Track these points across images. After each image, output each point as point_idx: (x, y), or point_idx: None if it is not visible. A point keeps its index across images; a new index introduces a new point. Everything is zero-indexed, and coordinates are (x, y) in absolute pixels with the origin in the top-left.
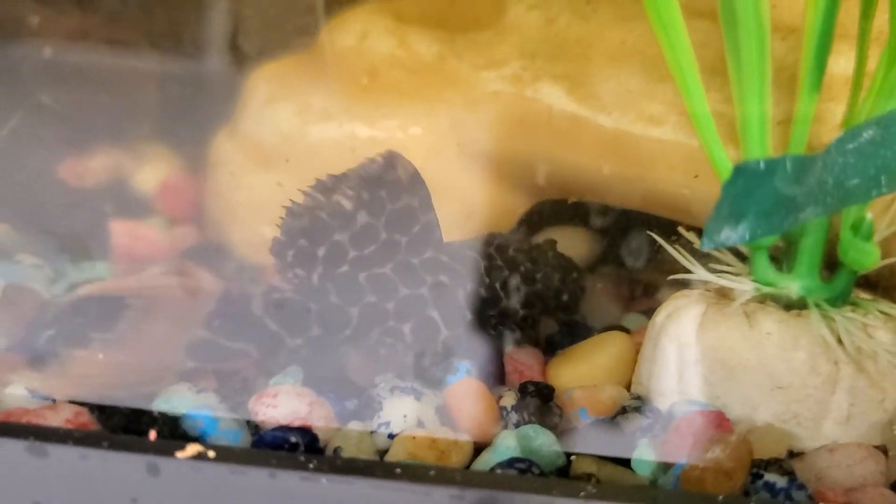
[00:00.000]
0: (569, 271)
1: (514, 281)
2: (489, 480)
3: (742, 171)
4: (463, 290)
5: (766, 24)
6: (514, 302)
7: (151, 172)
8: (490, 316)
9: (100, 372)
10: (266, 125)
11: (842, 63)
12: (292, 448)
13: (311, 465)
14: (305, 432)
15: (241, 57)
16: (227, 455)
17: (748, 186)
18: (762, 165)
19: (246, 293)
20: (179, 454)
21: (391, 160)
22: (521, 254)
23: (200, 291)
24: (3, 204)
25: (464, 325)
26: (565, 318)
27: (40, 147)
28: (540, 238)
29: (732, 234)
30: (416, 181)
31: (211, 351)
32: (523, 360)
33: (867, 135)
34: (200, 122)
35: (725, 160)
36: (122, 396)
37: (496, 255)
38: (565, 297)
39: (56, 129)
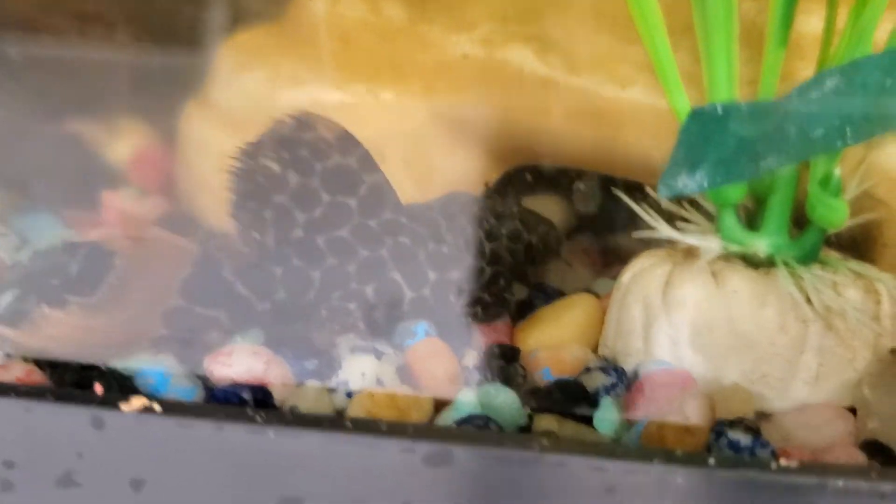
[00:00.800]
0: (536, 225)
1: (479, 238)
2: (441, 433)
3: (698, 116)
4: (425, 251)
5: None
6: (481, 260)
7: (124, 144)
8: (456, 276)
9: (74, 333)
10: (235, 92)
11: (812, 22)
12: (242, 402)
13: (258, 419)
14: (258, 389)
15: (211, 28)
16: (173, 408)
17: (705, 131)
18: (719, 110)
19: (217, 259)
20: (124, 407)
21: (305, 120)
22: (486, 211)
23: (177, 255)
24: None
25: (428, 287)
26: (536, 274)
27: (12, 116)
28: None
29: (690, 182)
30: (346, 141)
31: (186, 319)
32: (490, 323)
33: (831, 83)
34: (171, 94)
35: None
36: (93, 358)
37: (460, 213)
38: (536, 251)
39: (28, 101)
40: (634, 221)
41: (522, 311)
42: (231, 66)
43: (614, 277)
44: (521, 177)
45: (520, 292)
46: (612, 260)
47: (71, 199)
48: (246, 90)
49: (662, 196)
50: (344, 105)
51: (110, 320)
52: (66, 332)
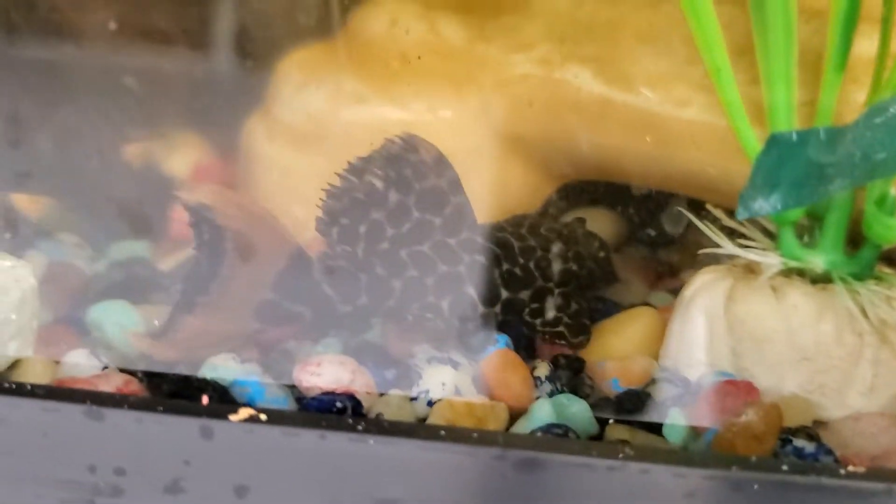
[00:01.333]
0: (599, 248)
1: (547, 259)
2: (530, 442)
3: (775, 142)
4: (498, 269)
5: (793, 8)
6: (547, 280)
7: (183, 158)
8: (523, 294)
9: (197, 335)
10: (298, 109)
11: (865, 45)
12: (339, 412)
13: (359, 427)
14: (350, 397)
15: (270, 45)
16: (278, 418)
17: (781, 157)
18: (795, 137)
19: (308, 257)
20: (233, 417)
21: (410, 142)
22: (552, 233)
23: (280, 238)
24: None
25: (499, 302)
26: (596, 294)
27: (78, 135)
28: (568, 218)
29: (765, 205)
30: (440, 163)
31: (275, 313)
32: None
33: (894, 109)
34: (230, 110)
35: (753, 139)
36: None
37: (528, 235)
38: (596, 274)
39: (91, 117)
40: (687, 236)
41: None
42: (293, 82)
43: (669, 291)
44: (578, 192)
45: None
46: (665, 273)
47: (135, 213)
48: (309, 107)
49: (740, 217)
50: (404, 123)
51: (221, 316)
52: (194, 335)
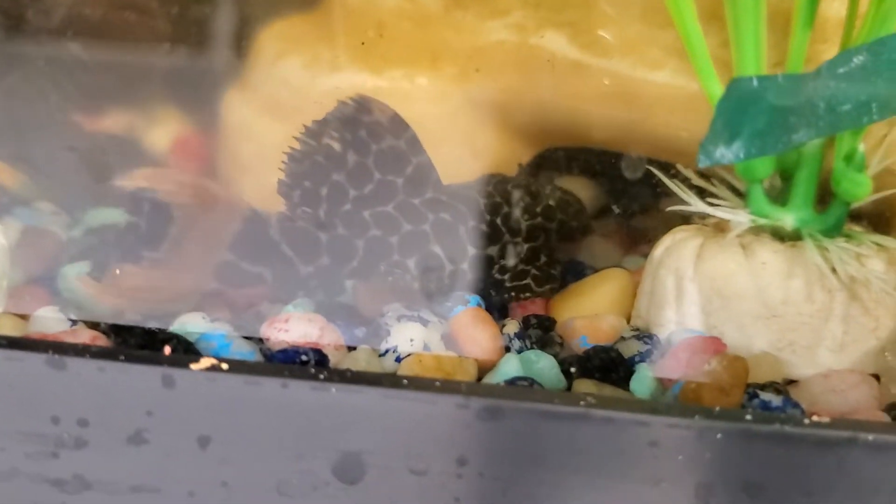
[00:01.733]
0: (568, 204)
1: (515, 215)
2: (493, 391)
3: (735, 88)
4: (464, 226)
5: None
6: (518, 237)
7: (163, 131)
8: (490, 250)
9: (143, 286)
10: (276, 78)
11: (835, 6)
12: (303, 364)
13: (321, 376)
14: (316, 351)
15: (248, 18)
16: (240, 367)
17: (741, 103)
18: (755, 82)
19: (265, 217)
20: (194, 366)
21: (364, 103)
22: (520, 189)
23: (224, 209)
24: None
25: (466, 260)
26: (570, 253)
27: (54, 104)
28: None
29: (727, 153)
30: (397, 124)
31: (234, 274)
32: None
33: (858, 60)
34: (209, 83)
35: None
36: (157, 310)
37: (495, 192)
38: (569, 227)
39: (68, 88)
40: (659, 201)
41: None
42: (271, 53)
43: (642, 255)
44: (553, 158)
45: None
46: (639, 238)
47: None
48: (286, 76)
49: (701, 165)
50: (381, 90)
51: (173, 273)
52: (140, 285)
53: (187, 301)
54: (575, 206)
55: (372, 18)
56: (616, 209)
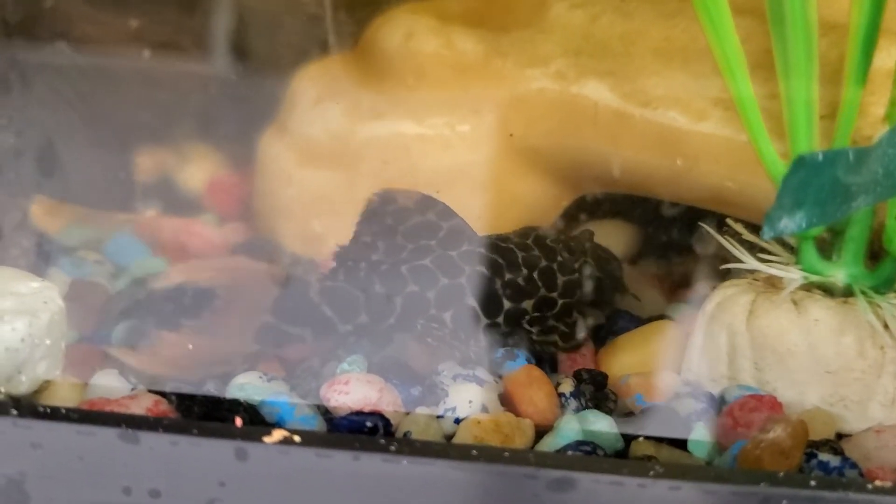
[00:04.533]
0: (606, 261)
1: (552, 270)
2: (562, 461)
3: (802, 163)
4: (500, 280)
5: (813, 22)
6: (552, 291)
7: (197, 169)
8: (527, 305)
9: (184, 353)
10: (316, 124)
11: (882, 57)
12: (371, 432)
13: (392, 448)
14: (381, 417)
15: (282, 58)
16: (312, 439)
17: (807, 177)
18: (821, 157)
19: (304, 281)
20: (266, 439)
21: (387, 195)
22: (558, 244)
23: (266, 279)
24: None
25: (502, 314)
26: (604, 307)
27: (91, 145)
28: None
29: (790, 223)
30: (424, 202)
31: (275, 335)
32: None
33: None
34: (243, 122)
35: (772, 153)
36: (201, 375)
37: (533, 245)
38: (604, 286)
39: (104, 129)
40: (701, 245)
41: (603, 337)
42: (309, 97)
43: (685, 301)
44: (594, 203)
45: (599, 318)
46: (683, 284)
47: (153, 224)
48: (326, 123)
49: (766, 237)
50: (423, 137)
51: (213, 339)
52: (179, 353)
53: (229, 364)
54: (612, 263)
55: (411, 64)
56: (658, 254)
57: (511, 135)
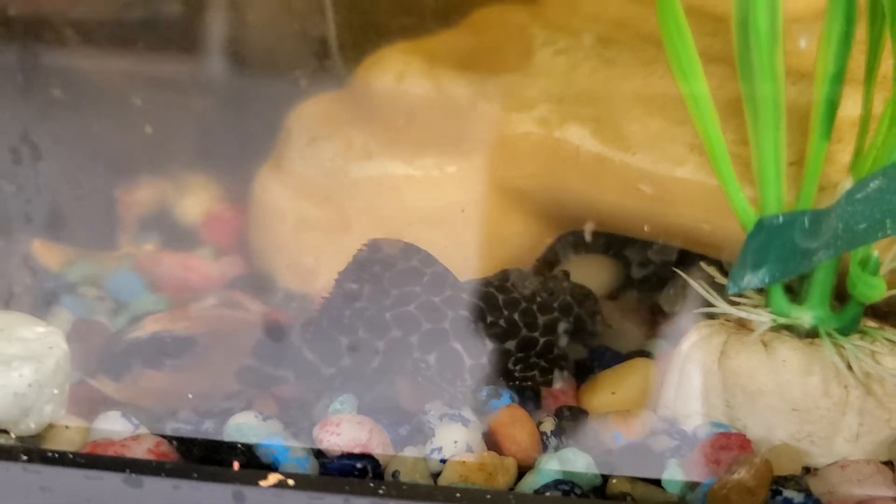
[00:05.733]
0: (584, 298)
1: (532, 311)
2: (541, 502)
3: (763, 226)
4: (483, 322)
5: (781, 70)
6: (533, 331)
7: (195, 200)
8: (510, 345)
9: (167, 388)
10: (310, 163)
11: (849, 106)
12: (361, 474)
13: (380, 491)
14: (369, 459)
15: (275, 94)
16: (304, 483)
17: (768, 238)
18: (780, 220)
19: (287, 325)
20: (262, 483)
21: (374, 245)
22: (537, 285)
23: (250, 322)
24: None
25: (486, 355)
26: (586, 342)
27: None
28: (562, 267)
29: (754, 279)
30: (408, 250)
31: (257, 377)
32: (557, 386)
33: (874, 184)
34: (238, 156)
35: (742, 200)
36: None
37: (513, 288)
38: (583, 323)
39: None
40: (678, 285)
41: (583, 374)
42: (304, 135)
43: (663, 337)
44: (573, 240)
45: (580, 354)
46: (661, 319)
47: (152, 258)
48: (321, 162)
49: (731, 292)
50: (412, 178)
51: (194, 375)
52: (160, 386)
53: (209, 399)
54: (590, 301)
55: (401, 105)
56: (638, 290)
57: (462, 211)
